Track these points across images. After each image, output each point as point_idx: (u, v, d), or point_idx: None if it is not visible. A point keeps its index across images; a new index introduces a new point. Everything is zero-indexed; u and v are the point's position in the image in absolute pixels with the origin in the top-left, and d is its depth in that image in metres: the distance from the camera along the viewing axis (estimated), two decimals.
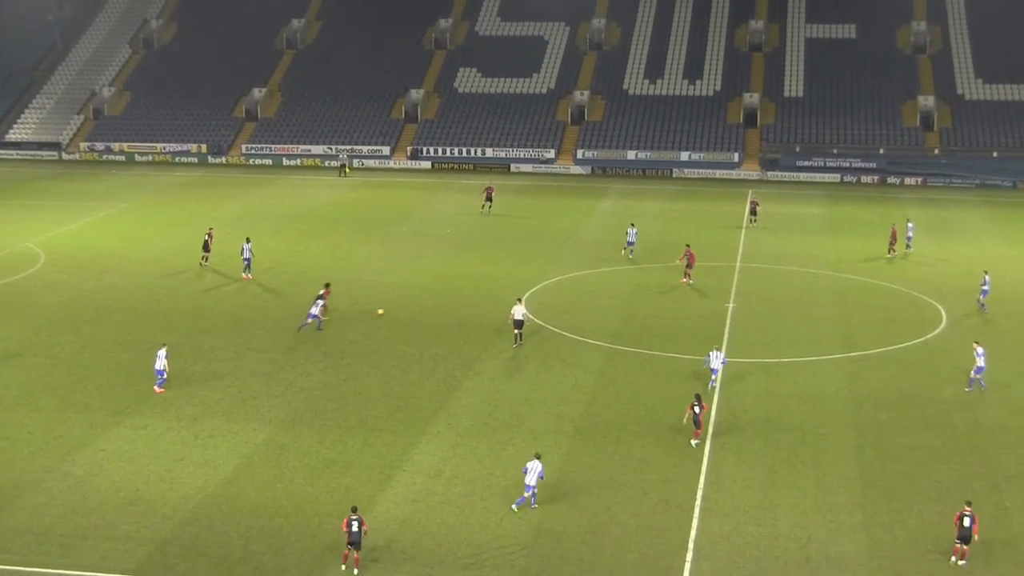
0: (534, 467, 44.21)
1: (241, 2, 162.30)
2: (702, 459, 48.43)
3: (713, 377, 56.95)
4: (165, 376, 56.74)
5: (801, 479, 46.55)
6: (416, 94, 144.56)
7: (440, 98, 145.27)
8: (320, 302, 68.00)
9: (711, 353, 57.26)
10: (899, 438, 50.99)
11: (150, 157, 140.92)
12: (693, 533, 41.77)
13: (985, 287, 72.25)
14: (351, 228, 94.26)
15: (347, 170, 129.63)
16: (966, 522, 39.65)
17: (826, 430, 51.85)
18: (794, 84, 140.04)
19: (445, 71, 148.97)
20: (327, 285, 70.86)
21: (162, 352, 57.10)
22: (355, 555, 39.39)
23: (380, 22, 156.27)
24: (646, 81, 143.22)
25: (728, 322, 69.27)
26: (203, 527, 42.17)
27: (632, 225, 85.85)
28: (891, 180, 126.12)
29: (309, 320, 67.21)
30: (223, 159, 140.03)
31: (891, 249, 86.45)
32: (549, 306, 72.15)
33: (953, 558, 39.83)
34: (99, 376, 59.13)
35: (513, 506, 44.05)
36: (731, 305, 73.02)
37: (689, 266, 77.12)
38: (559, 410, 54.18)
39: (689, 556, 40.15)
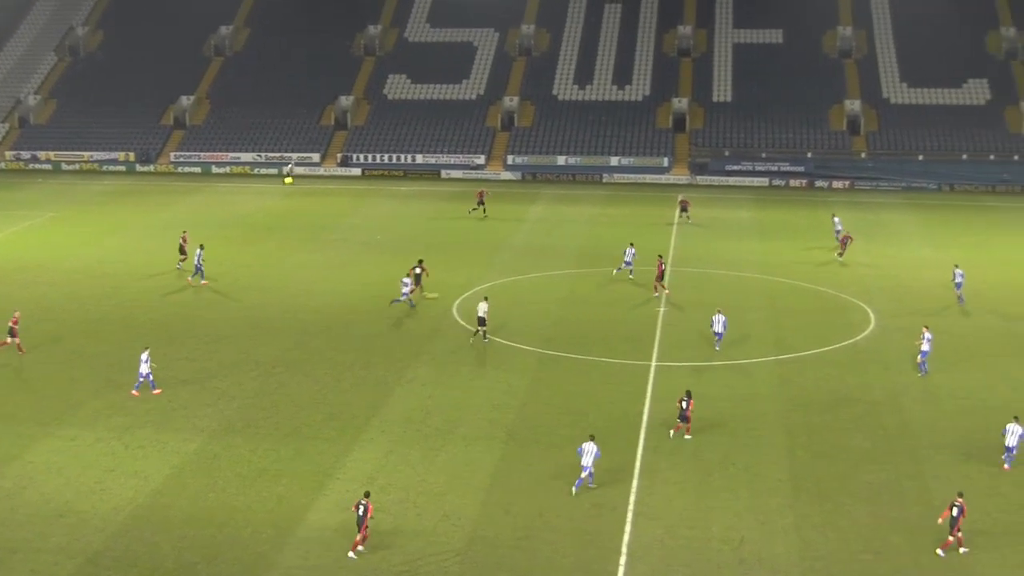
0: (589, 448, 45.85)
1: (168, 9, 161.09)
2: (634, 463, 48.60)
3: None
4: (151, 377, 56.87)
5: (733, 482, 46.81)
6: (346, 101, 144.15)
7: (370, 105, 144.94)
8: (407, 281, 72.61)
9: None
10: (830, 439, 51.41)
11: (77, 166, 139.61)
12: (627, 537, 41.91)
13: (958, 279, 74.07)
14: (282, 236, 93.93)
15: (289, 179, 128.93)
16: (954, 512, 40.26)
17: (758, 432, 52.19)
18: (722, 89, 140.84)
19: (375, 78, 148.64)
20: (420, 261, 75.16)
21: (145, 355, 56.96)
22: (359, 535, 40.95)
23: (309, 29, 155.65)
24: (575, 87, 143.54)
25: (659, 326, 69.55)
26: (135, 538, 41.83)
27: (631, 245, 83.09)
28: (819, 183, 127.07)
29: (403, 298, 71.51)
30: (151, 167, 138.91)
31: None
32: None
33: (940, 551, 40.32)
34: (26, 387, 58.62)
35: (573, 489, 45.47)
36: (662, 309, 73.32)
37: (659, 277, 76.42)
38: (492, 416, 54.19)
39: (623, 560, 40.28)
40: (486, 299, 67.60)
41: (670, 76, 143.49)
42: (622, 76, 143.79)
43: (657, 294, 75.66)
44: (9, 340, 63.41)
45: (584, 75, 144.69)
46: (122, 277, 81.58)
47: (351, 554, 40.60)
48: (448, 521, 43.14)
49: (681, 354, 63.58)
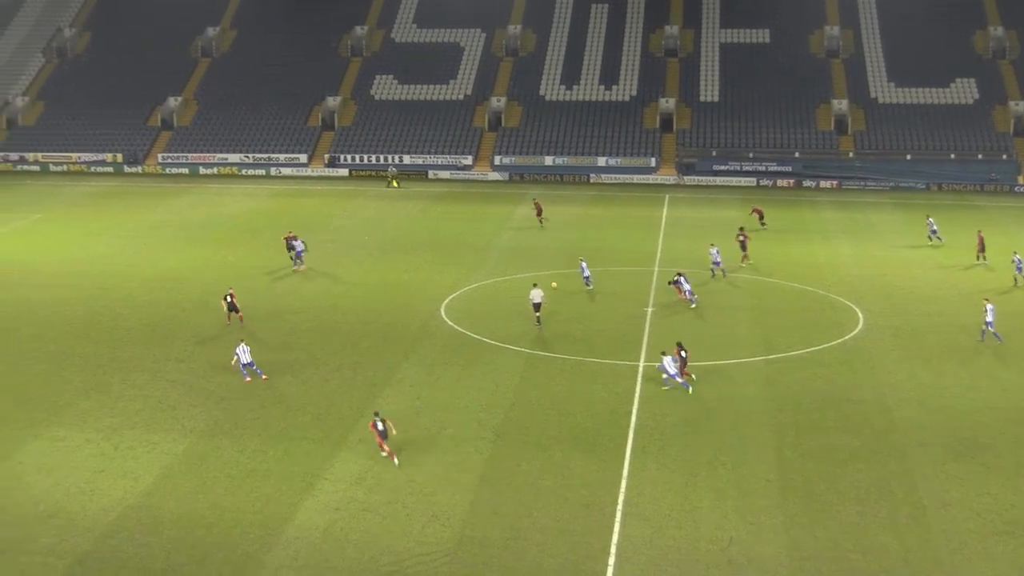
0: (668, 362, 56.41)
1: (155, 10, 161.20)
2: (623, 463, 48.63)
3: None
4: (255, 365, 59.55)
5: (721, 481, 46.86)
6: (333, 101, 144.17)
7: (357, 105, 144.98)
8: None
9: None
10: (818, 439, 51.47)
11: (65, 167, 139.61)
12: (615, 537, 41.92)
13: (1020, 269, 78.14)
14: (269, 237, 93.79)
15: (395, 183, 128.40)
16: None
17: (746, 432, 52.24)
18: (709, 89, 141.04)
19: (361, 78, 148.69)
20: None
21: (242, 347, 59.66)
22: (386, 450, 48.85)
23: (295, 30, 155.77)
24: (562, 87, 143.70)
25: (647, 326, 69.61)
26: (124, 539, 41.83)
27: (712, 245, 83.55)
28: (807, 183, 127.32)
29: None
30: (139, 168, 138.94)
31: (980, 256, 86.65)
32: (468, 313, 72.20)
33: None
34: (14, 388, 58.49)
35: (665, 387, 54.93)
36: (649, 309, 73.41)
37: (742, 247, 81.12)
38: (480, 417, 54.20)
39: (611, 560, 40.30)
40: (536, 285, 70.39)
41: (657, 76, 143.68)
42: (609, 76, 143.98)
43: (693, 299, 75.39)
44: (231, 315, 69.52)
45: (571, 75, 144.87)
46: (110, 278, 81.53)
47: (395, 460, 48.21)
48: (437, 522, 43.17)
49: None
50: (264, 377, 59.36)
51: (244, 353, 59.34)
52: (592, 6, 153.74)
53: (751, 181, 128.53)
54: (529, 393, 57.61)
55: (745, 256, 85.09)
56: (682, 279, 74.50)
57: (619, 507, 44.40)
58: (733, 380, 59.64)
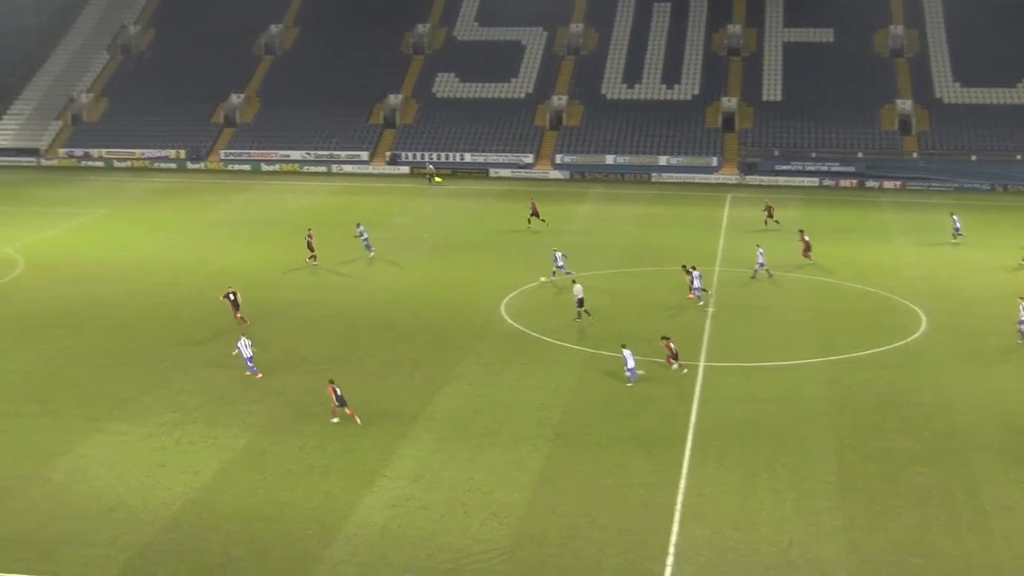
0: (628, 355, 57.61)
1: (219, 8, 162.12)
2: (682, 463, 48.42)
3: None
4: (251, 361, 59.74)
5: (781, 483, 46.58)
6: (394, 99, 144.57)
7: (418, 103, 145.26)
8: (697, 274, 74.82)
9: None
10: (878, 441, 51.08)
11: (128, 163, 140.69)
12: (673, 537, 41.75)
13: None
14: (330, 233, 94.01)
15: (437, 179, 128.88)
16: None
17: (806, 434, 51.92)
18: (772, 88, 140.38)
19: (423, 76, 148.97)
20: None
21: (243, 341, 59.99)
22: (348, 411, 52.48)
23: (358, 27, 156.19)
24: (624, 86, 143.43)
25: (707, 326, 69.36)
26: (184, 533, 42.08)
27: (758, 246, 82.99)
28: (870, 184, 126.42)
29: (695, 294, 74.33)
30: (202, 165, 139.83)
31: None
32: (528, 311, 72.15)
33: None
34: (78, 382, 59.00)
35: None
36: (710, 309, 73.11)
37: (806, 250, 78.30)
38: (539, 415, 54.13)
39: (670, 560, 40.13)
40: (574, 281, 71.07)
41: (719, 75, 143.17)
42: (671, 75, 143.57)
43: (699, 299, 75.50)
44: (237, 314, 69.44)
45: (633, 74, 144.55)
46: (171, 274, 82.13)
47: (357, 419, 52.35)
48: (495, 519, 43.15)
49: (729, 354, 63.32)
50: (259, 376, 59.38)
51: (245, 347, 59.60)
52: (654, 5, 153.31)
53: (813, 181, 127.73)
54: (588, 392, 57.51)
55: (807, 254, 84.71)
56: (695, 274, 74.69)
57: (678, 507, 44.24)
58: (793, 381, 59.30)
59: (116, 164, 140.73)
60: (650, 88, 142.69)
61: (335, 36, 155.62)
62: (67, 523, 42.95)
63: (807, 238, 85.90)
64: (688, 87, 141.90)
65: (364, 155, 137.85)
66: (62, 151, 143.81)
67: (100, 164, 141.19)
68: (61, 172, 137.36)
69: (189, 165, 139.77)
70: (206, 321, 70.13)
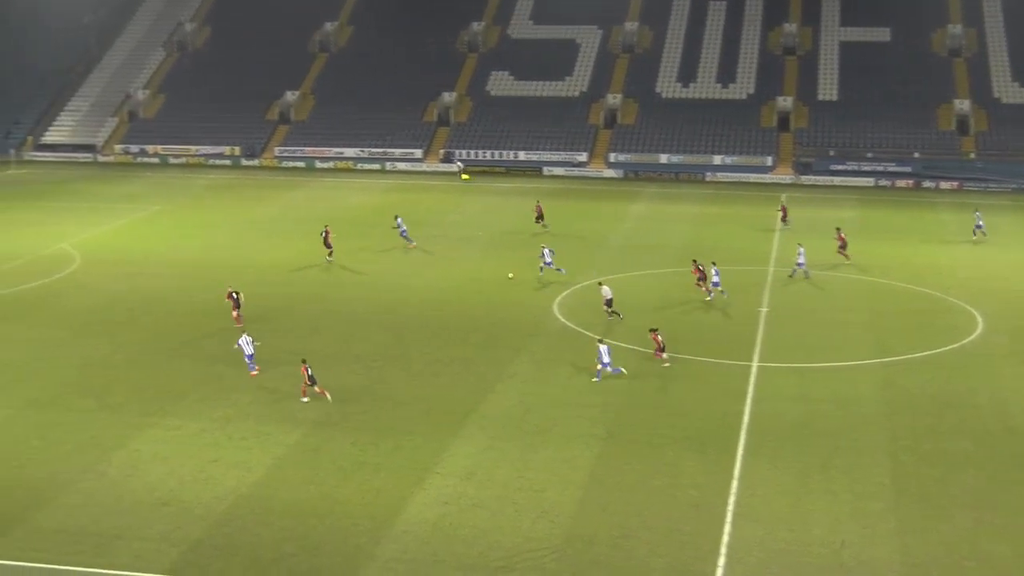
0: (604, 351, 57.75)
1: (274, 5, 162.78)
2: (734, 464, 48.23)
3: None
4: (252, 358, 59.93)
5: (834, 484, 46.30)
6: (448, 97, 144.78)
7: (472, 101, 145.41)
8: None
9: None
10: (933, 443, 50.69)
11: (184, 159, 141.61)
12: (725, 538, 41.59)
13: None
14: (383, 231, 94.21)
15: (464, 175, 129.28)
16: None
17: (859, 435, 51.58)
18: (828, 87, 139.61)
19: (477, 74, 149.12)
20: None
21: (245, 338, 60.27)
22: (317, 389, 54.93)
23: (412, 25, 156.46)
24: (679, 84, 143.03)
25: (761, 326, 69.07)
26: (236, 528, 42.30)
27: (799, 244, 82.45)
28: (926, 184, 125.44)
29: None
30: (256, 161, 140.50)
31: None
32: (581, 309, 72.05)
33: None
34: (133, 377, 59.40)
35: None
36: (764, 309, 72.82)
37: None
38: (591, 414, 54.04)
39: (721, 562, 39.97)
40: (601, 284, 71.21)
41: (775, 74, 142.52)
42: (726, 74, 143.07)
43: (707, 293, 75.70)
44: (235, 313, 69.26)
45: (688, 73, 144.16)
46: (225, 269, 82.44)
47: (327, 396, 54.58)
48: (546, 518, 43.12)
49: (783, 355, 63.01)
50: (253, 373, 59.45)
51: (247, 345, 59.81)
52: (710, 3, 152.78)
53: (869, 181, 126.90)
54: (640, 391, 57.37)
55: (844, 252, 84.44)
56: (714, 270, 74.79)
57: (730, 508, 44.07)
58: (847, 382, 58.94)
59: (171, 160, 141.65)
60: (705, 87, 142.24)
61: (390, 34, 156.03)
62: (121, 517, 43.26)
63: (844, 235, 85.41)
64: (743, 86, 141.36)
65: (418, 153, 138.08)
66: (118, 147, 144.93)
67: (155, 160, 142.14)
68: (117, 168, 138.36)
69: (243, 162, 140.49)
70: (258, 317, 70.36)
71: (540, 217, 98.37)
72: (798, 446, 50.19)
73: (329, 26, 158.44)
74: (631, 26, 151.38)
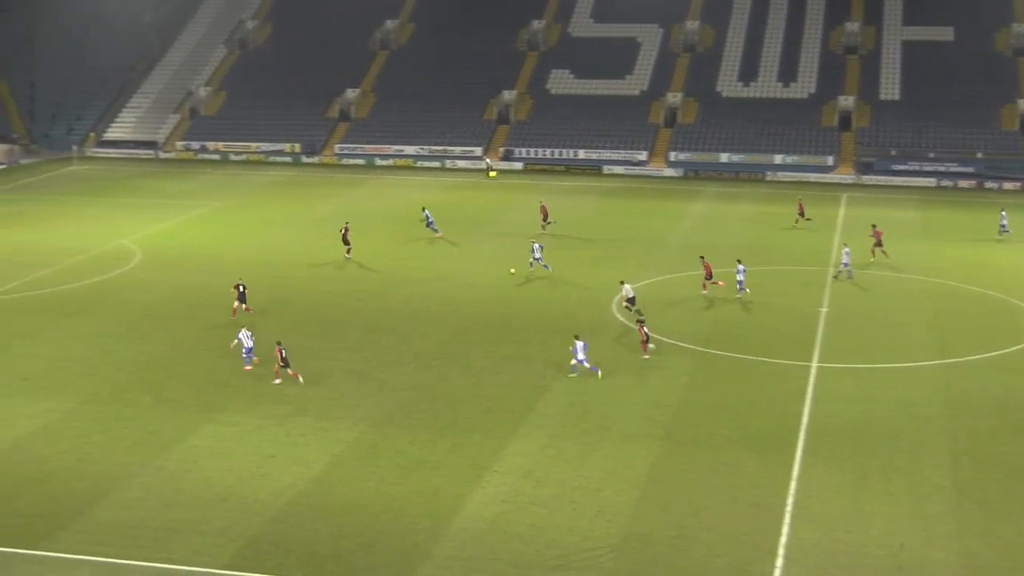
0: (579, 347, 58.18)
1: (335, 3, 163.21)
2: (792, 464, 48.01)
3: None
4: (251, 353, 59.96)
5: (893, 486, 46.00)
6: (508, 95, 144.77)
7: (532, 99, 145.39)
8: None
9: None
10: (995, 446, 50.27)
11: (244, 156, 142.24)
12: (783, 539, 41.40)
13: None
14: (443, 228, 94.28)
15: (492, 173, 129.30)
16: None
17: (920, 437, 51.21)
18: (890, 87, 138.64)
19: (537, 72, 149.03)
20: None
21: (244, 332, 60.61)
22: (290, 372, 57.00)
23: (473, 23, 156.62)
24: (739, 83, 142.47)
25: (820, 327, 68.69)
26: (294, 524, 42.46)
27: (845, 245, 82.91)
28: (989, 185, 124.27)
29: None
30: (316, 159, 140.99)
31: None
32: (639, 308, 71.83)
33: None
34: (191, 373, 59.79)
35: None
36: (824, 309, 72.41)
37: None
38: (649, 413, 53.95)
39: (779, 562, 39.79)
40: (622, 283, 71.32)
41: (836, 73, 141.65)
42: (787, 73, 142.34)
43: (706, 291, 75.87)
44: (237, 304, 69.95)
45: (749, 72, 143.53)
46: (285, 267, 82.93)
47: (299, 379, 56.86)
48: (603, 517, 43.07)
49: (843, 356, 62.62)
50: (248, 368, 59.70)
51: (247, 338, 59.97)
52: (771, 2, 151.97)
53: (931, 182, 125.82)
54: (699, 391, 57.23)
55: (880, 249, 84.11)
56: (739, 268, 74.92)
57: (788, 508, 43.86)
58: (908, 383, 58.54)
59: (232, 157, 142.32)
60: (766, 86, 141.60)
61: (450, 32, 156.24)
62: (179, 511, 43.54)
63: (879, 231, 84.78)
64: (804, 85, 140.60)
65: (478, 151, 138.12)
66: (179, 144, 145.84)
67: (216, 157, 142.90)
68: (178, 165, 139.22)
69: (304, 159, 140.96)
70: (318, 315, 70.72)
71: (545, 218, 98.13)
72: (857, 447, 49.89)
73: (390, 24, 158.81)
74: (692, 25, 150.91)
